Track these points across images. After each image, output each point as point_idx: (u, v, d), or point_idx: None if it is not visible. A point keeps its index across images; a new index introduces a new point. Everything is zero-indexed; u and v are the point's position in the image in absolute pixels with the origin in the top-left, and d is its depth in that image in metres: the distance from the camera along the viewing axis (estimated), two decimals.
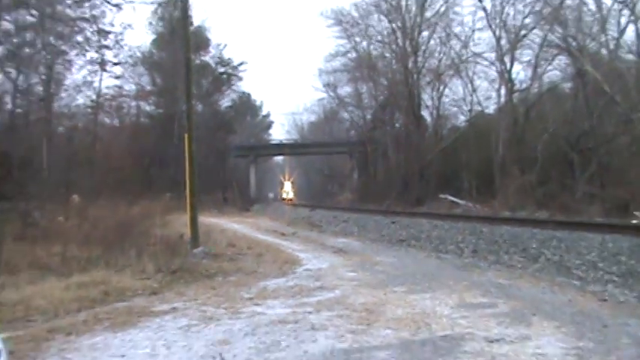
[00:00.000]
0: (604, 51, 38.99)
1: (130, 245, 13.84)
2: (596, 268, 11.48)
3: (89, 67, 40.89)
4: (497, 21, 45.81)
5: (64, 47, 35.36)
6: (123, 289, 9.97)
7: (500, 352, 5.81)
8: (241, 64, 64.92)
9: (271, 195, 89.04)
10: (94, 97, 45.21)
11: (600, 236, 16.66)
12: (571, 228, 19.71)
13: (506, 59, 45.21)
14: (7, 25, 28.55)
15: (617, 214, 26.08)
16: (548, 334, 6.47)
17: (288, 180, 61.23)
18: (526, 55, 45.16)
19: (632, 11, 34.20)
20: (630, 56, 37.78)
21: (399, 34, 55.41)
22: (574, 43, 36.75)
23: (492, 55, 47.27)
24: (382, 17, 56.73)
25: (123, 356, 6.14)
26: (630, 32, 36.80)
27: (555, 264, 12.44)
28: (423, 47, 54.44)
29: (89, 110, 46.13)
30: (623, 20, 37.39)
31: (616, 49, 38.45)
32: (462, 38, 51.04)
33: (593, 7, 38.02)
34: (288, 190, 67.92)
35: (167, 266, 11.92)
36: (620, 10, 37.03)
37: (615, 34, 38.34)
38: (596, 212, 27.89)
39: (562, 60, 41.66)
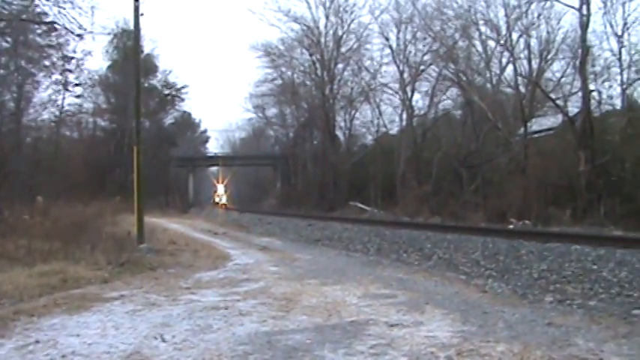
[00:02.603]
0: (488, 85, 39.73)
1: (85, 240, 13.64)
2: (479, 265, 11.63)
3: (54, 87, 40.63)
4: (401, 57, 46.45)
5: (33, 70, 35.12)
6: (78, 278, 9.77)
7: (398, 335, 5.82)
8: (184, 87, 64.48)
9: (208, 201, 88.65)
10: (57, 113, 45.12)
11: (483, 238, 16.93)
12: (459, 232, 20.00)
13: (408, 89, 45.79)
14: None
15: (496, 221, 26.52)
16: (439, 319, 6.51)
17: (221, 183, 53.11)
18: (424, 86, 45.92)
19: (511, 53, 34.92)
20: (509, 90, 38.58)
21: (318, 65, 55.78)
22: (464, 78, 37.34)
23: (396, 86, 47.91)
24: (304, 51, 57.10)
25: (78, 335, 5.99)
26: (509, 70, 37.65)
27: (446, 261, 12.56)
28: (338, 77, 55.05)
29: (53, 124, 45.81)
30: (504, 60, 38.27)
31: (498, 84, 39.23)
32: (371, 70, 51.74)
33: (480, 48, 38.78)
34: (221, 194, 52.87)
35: (116, 259, 11.71)
36: (502, 52, 37.85)
37: (497, 71, 39.18)
38: (480, 219, 28.31)
39: (454, 91, 42.36)
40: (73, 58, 36.75)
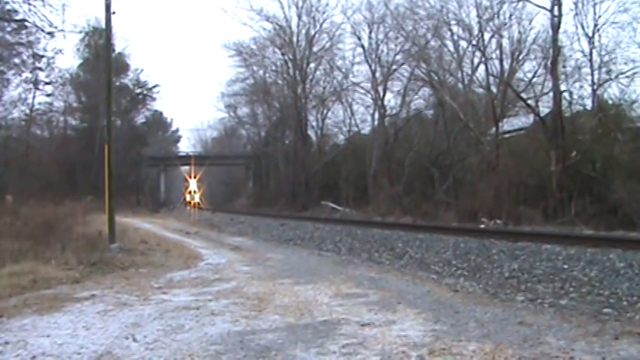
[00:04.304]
0: (460, 85, 40.00)
1: (56, 240, 13.62)
2: (450, 265, 11.72)
3: (24, 85, 40.58)
4: (373, 57, 46.59)
5: (2, 68, 34.71)
6: (49, 278, 9.74)
7: (370, 334, 5.86)
8: (155, 86, 64.57)
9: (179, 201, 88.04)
10: (27, 111, 44.96)
11: (454, 238, 17.03)
12: (431, 231, 20.08)
13: (380, 89, 45.89)
14: None
15: (468, 220, 26.66)
16: (411, 318, 6.57)
17: (194, 178, 42.56)
18: (396, 85, 46.05)
19: (483, 53, 35.15)
20: (481, 90, 38.85)
21: (290, 64, 55.69)
22: (436, 78, 37.43)
23: (368, 85, 48.05)
24: (276, 50, 56.96)
25: (48, 336, 5.97)
26: (481, 70, 37.93)
27: (417, 261, 12.65)
28: (310, 76, 55.03)
29: (23, 123, 45.57)
30: (476, 60, 38.61)
31: (470, 84, 39.56)
32: (344, 70, 51.87)
33: (452, 48, 39.02)
34: (193, 190, 42.63)
35: (87, 259, 11.67)
36: (474, 52, 38.14)
37: (469, 71, 39.54)
38: (451, 218, 28.45)
39: (426, 91, 42.41)
40: (43, 56, 36.65)
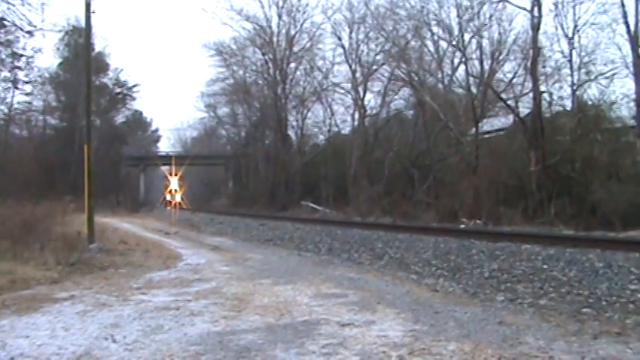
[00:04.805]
0: (440, 85, 40.23)
1: (34, 240, 13.46)
2: (430, 265, 11.76)
3: (3, 84, 40.32)
4: (354, 57, 46.82)
5: None
6: (27, 278, 9.65)
7: (350, 334, 5.87)
8: (135, 85, 64.30)
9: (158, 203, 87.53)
10: (6, 110, 44.71)
11: (434, 238, 17.11)
12: (410, 231, 20.16)
13: (360, 89, 46.14)
14: None
15: (448, 220, 26.78)
16: (390, 319, 6.58)
17: (175, 176, 40.52)
18: (376, 86, 46.35)
19: (463, 54, 35.32)
20: (461, 90, 39.06)
21: (270, 64, 55.84)
22: (416, 78, 37.59)
23: (348, 85, 48.31)
24: (257, 50, 57.15)
25: (27, 337, 5.92)
26: (461, 70, 38.15)
27: (397, 261, 12.67)
28: (291, 77, 55.22)
29: (2, 122, 45.20)
30: (456, 60, 38.81)
31: (450, 84, 39.77)
32: (324, 70, 52.18)
33: (432, 48, 39.22)
34: (174, 189, 38.09)
35: (66, 259, 11.57)
36: (454, 53, 38.33)
37: (449, 72, 39.74)
38: (432, 218, 28.57)
39: (406, 91, 42.69)
40: (22, 55, 36.45)
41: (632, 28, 24.51)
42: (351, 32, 47.14)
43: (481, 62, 36.05)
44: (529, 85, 30.81)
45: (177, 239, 20.48)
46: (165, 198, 40.09)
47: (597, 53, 29.20)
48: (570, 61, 29.38)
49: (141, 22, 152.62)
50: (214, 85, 64.59)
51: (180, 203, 35.08)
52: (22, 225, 15.88)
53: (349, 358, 5.05)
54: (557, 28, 29.73)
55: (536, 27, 28.16)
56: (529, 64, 29.58)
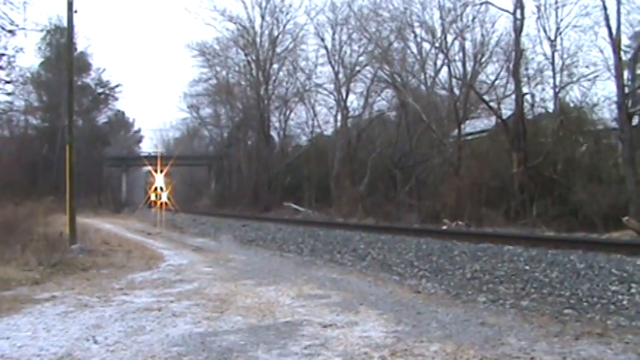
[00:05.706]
0: (423, 87, 40.38)
1: (16, 241, 13.43)
2: (413, 266, 11.78)
3: None
4: (336, 58, 46.91)
5: None
6: (8, 279, 9.59)
7: (332, 335, 5.88)
8: (117, 86, 63.86)
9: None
10: None
11: (416, 239, 17.18)
12: (393, 232, 20.23)
13: (343, 90, 46.25)
14: None
15: (430, 221, 26.89)
16: (373, 320, 6.60)
17: (161, 172, 35.39)
18: (359, 87, 46.50)
19: (446, 55, 35.51)
20: (443, 92, 39.29)
21: (253, 65, 55.81)
22: (399, 79, 37.73)
23: (331, 86, 48.46)
24: (240, 51, 57.11)
25: (8, 338, 5.88)
26: (444, 72, 38.38)
27: (379, 262, 12.69)
28: (274, 77, 55.25)
29: None
30: (439, 62, 38.98)
31: (432, 86, 39.95)
32: (307, 71, 52.29)
33: (415, 50, 39.35)
34: (160, 187, 35.46)
35: (48, 260, 11.51)
36: (437, 54, 38.52)
37: (432, 73, 39.89)
38: (414, 219, 28.67)
39: (389, 93, 42.87)
40: (4, 54, 36.01)
41: (613, 30, 24.63)
42: (334, 33, 47.36)
43: (464, 64, 36.33)
44: (511, 87, 31.09)
45: (159, 240, 20.41)
46: (149, 198, 38.52)
47: (579, 56, 29.43)
48: (552, 63, 29.60)
49: (124, 22, 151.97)
50: (197, 86, 64.48)
51: (166, 203, 33.22)
52: (3, 225, 15.82)
53: (331, 359, 5.06)
54: (539, 31, 29.94)
55: (518, 29, 28.35)
56: (511, 66, 29.80)
